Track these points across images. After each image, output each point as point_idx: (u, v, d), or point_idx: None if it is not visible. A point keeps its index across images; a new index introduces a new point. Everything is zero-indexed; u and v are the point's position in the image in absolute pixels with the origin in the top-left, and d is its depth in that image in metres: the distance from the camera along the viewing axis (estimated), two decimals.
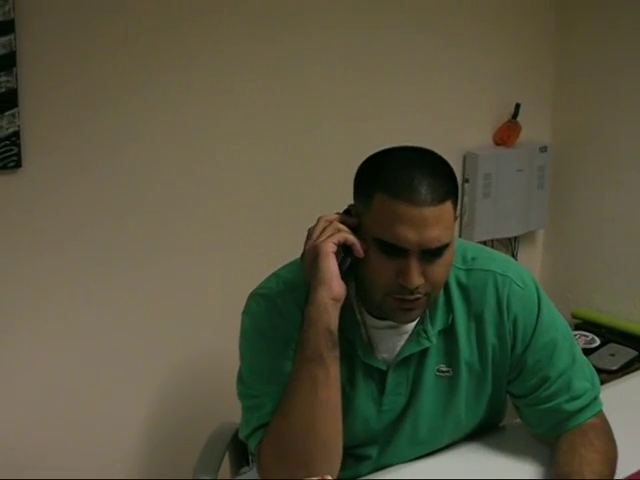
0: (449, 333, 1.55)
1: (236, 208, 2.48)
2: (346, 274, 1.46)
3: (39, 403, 2.24)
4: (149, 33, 2.23)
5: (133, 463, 2.45)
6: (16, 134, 2.03)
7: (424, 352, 1.55)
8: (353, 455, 1.60)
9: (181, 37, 2.28)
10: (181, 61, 2.29)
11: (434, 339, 1.54)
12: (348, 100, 2.65)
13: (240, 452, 1.96)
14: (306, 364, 1.41)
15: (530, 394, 1.59)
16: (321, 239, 1.43)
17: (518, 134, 3.06)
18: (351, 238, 1.43)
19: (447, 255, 1.43)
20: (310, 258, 1.44)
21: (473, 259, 1.58)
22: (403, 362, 1.55)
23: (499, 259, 1.62)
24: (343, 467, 1.56)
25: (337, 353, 1.43)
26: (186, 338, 2.43)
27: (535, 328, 1.56)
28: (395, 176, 1.39)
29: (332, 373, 1.42)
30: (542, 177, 3.13)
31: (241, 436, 1.56)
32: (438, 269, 1.43)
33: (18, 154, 2.04)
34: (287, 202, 2.55)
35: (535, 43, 3.12)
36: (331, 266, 1.42)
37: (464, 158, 2.98)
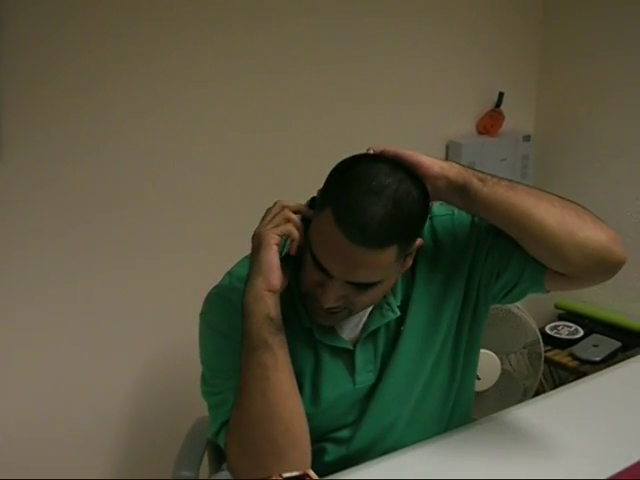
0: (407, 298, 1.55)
1: (221, 203, 2.46)
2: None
3: (12, 396, 2.22)
4: (133, 26, 2.20)
5: (111, 458, 2.43)
6: None
7: (387, 325, 1.54)
8: (332, 439, 1.58)
9: (165, 30, 2.25)
10: (165, 54, 2.26)
11: (398, 310, 1.53)
12: (331, 91, 2.63)
13: (219, 448, 1.93)
14: (252, 353, 1.39)
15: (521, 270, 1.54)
16: (267, 227, 1.42)
17: (501, 123, 3.05)
18: (294, 233, 1.41)
19: (378, 288, 1.41)
20: (254, 245, 1.44)
21: None
22: (367, 337, 1.54)
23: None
24: (324, 453, 1.57)
25: (283, 337, 1.41)
26: (164, 331, 2.41)
27: (474, 225, 1.55)
28: (348, 202, 1.33)
29: (280, 357, 1.40)
30: (526, 166, 3.12)
31: (209, 435, 1.54)
32: (364, 298, 1.42)
33: None
34: (269, 197, 2.50)
35: (519, 31, 3.11)
36: (271, 258, 1.40)
37: (447, 147, 2.96)
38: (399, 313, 1.53)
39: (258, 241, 1.42)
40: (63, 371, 2.27)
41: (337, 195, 1.35)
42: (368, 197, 1.32)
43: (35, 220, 2.15)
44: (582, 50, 3.08)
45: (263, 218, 1.44)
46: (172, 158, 2.35)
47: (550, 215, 1.45)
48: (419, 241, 1.45)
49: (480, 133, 3.06)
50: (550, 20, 3.14)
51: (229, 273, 1.57)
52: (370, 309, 1.53)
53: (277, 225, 1.41)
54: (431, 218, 1.56)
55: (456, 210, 1.56)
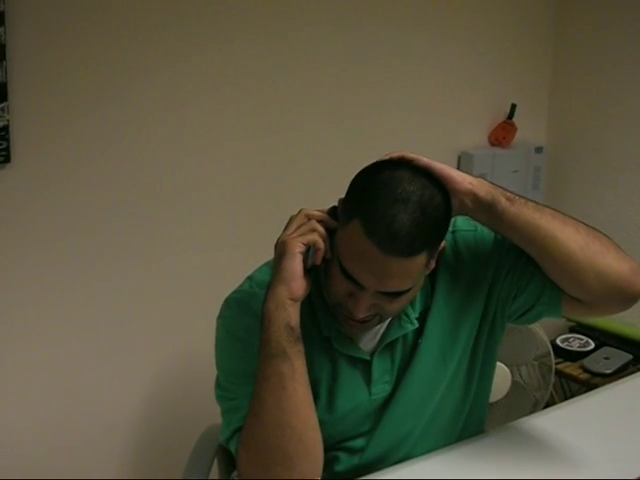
0: (426, 311, 1.55)
1: (228, 209, 2.46)
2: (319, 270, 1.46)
3: (24, 403, 2.22)
4: (142, 30, 2.21)
5: (122, 464, 2.43)
6: (5, 128, 2.01)
7: (405, 337, 1.54)
8: (345, 449, 1.58)
9: (174, 35, 2.26)
10: (173, 59, 2.27)
11: (416, 322, 1.53)
12: (343, 100, 2.63)
13: (229, 455, 1.94)
14: (270, 361, 1.39)
15: (540, 291, 1.55)
16: (292, 235, 1.41)
17: (514, 134, 3.04)
18: (320, 243, 1.41)
19: (408, 295, 1.42)
20: (278, 253, 1.43)
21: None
22: (385, 348, 1.54)
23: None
24: (337, 462, 1.56)
25: (301, 347, 1.41)
26: (175, 339, 2.41)
27: (497, 244, 1.56)
28: (376, 211, 1.33)
29: (298, 367, 1.40)
30: (538, 178, 3.12)
31: (221, 440, 1.54)
32: (393, 306, 1.43)
33: (7, 149, 2.02)
34: (281, 201, 2.52)
35: (532, 43, 3.11)
36: (295, 266, 1.40)
37: (459, 158, 2.96)
38: (417, 325, 1.53)
39: (282, 249, 1.41)
40: (73, 377, 2.27)
41: (363, 206, 1.34)
42: (395, 206, 1.32)
43: (45, 223, 2.16)
44: (594, 62, 3.07)
45: (287, 226, 1.43)
46: (182, 163, 2.36)
47: (574, 240, 1.46)
48: (442, 243, 1.45)
49: (492, 144, 3.05)
50: (562, 32, 3.14)
51: (249, 278, 1.57)
52: (388, 321, 1.53)
53: (302, 234, 1.40)
54: (454, 232, 1.57)
55: (479, 226, 1.56)
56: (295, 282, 1.40)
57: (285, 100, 2.50)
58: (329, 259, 1.42)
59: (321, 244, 1.40)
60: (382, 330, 1.53)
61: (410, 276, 1.37)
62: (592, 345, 3.01)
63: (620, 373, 2.79)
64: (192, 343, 2.38)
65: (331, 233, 1.42)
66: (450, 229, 1.54)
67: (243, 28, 2.37)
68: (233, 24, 2.36)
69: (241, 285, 1.57)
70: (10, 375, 2.18)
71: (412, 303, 1.52)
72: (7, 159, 2.03)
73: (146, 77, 2.24)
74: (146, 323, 2.37)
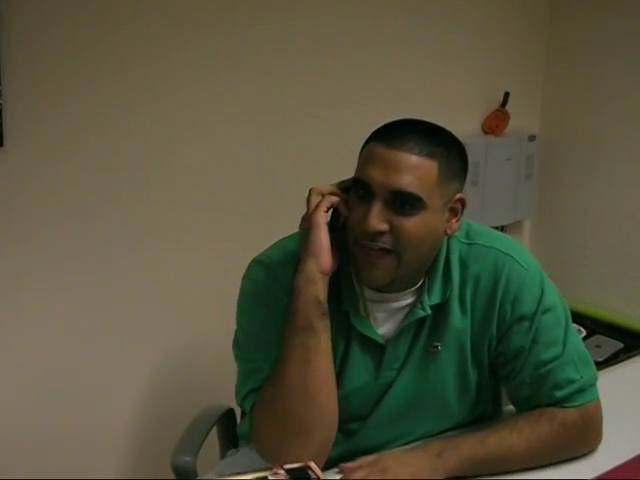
0: (444, 308, 1.54)
1: (227, 197, 2.46)
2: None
3: (22, 392, 2.21)
4: (137, 16, 2.20)
5: (119, 451, 2.43)
6: None
7: (420, 327, 1.54)
8: (344, 430, 1.59)
9: (170, 21, 2.25)
10: (169, 45, 2.26)
11: (429, 310, 1.52)
12: (336, 88, 2.62)
13: (229, 435, 1.96)
14: (297, 333, 1.43)
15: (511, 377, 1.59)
16: (312, 209, 1.46)
17: (507, 123, 3.05)
18: (335, 199, 1.46)
19: (420, 217, 1.42)
20: (304, 228, 1.48)
21: (477, 234, 1.59)
22: (400, 335, 1.54)
23: (503, 238, 1.62)
24: (335, 444, 1.56)
25: (327, 322, 1.44)
26: (174, 326, 2.40)
27: (535, 314, 1.55)
28: (388, 127, 1.47)
29: (323, 341, 1.44)
30: (530, 167, 3.12)
31: (237, 400, 1.56)
32: (407, 225, 1.42)
33: (0, 133, 2.01)
34: (279, 190, 2.53)
35: (526, 31, 3.11)
36: (322, 238, 1.45)
37: None
38: (429, 312, 1.52)
39: (307, 223, 1.46)
40: (68, 367, 2.26)
41: (377, 130, 1.47)
42: (410, 123, 1.47)
43: (38, 208, 2.15)
44: (588, 51, 3.08)
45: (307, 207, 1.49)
46: (180, 148, 2.35)
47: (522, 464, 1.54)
48: (460, 196, 1.48)
49: (485, 133, 3.06)
50: (556, 21, 3.14)
51: (278, 244, 1.59)
52: (406, 306, 1.53)
53: (318, 204, 1.46)
54: (510, 256, 1.56)
55: (533, 269, 1.57)
56: (323, 255, 1.44)
57: (278, 92, 2.49)
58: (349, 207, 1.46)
59: (335, 199, 1.46)
60: (400, 318, 1.53)
61: (419, 179, 1.40)
62: (584, 333, 3.02)
63: (611, 361, 2.80)
64: (191, 334, 2.38)
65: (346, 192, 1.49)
66: (502, 249, 1.55)
67: (239, 16, 2.36)
68: (229, 12, 2.34)
69: (271, 249, 1.59)
70: (6, 367, 2.18)
71: (429, 290, 1.52)
72: (0, 143, 2.02)
73: (143, 65, 2.23)
74: (146, 311, 2.36)
